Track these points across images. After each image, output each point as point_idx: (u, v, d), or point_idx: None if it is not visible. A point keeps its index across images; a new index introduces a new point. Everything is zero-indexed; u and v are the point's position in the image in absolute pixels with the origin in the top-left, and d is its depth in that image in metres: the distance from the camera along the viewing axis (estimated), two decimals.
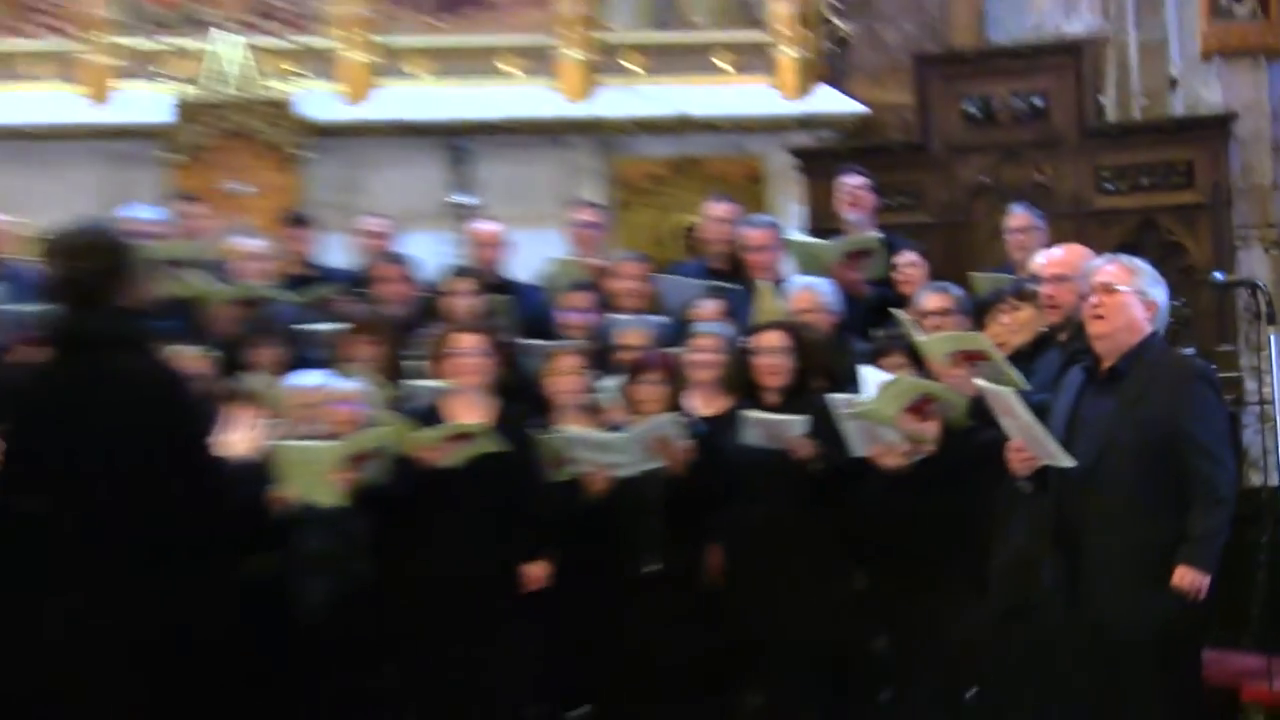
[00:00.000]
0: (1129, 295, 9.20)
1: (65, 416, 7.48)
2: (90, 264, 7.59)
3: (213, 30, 17.61)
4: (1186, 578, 8.81)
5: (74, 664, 7.29)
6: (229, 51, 17.29)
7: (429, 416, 11.57)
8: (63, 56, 17.93)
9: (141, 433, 7.61)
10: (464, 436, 11.30)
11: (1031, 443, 9.31)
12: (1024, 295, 11.12)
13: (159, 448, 7.64)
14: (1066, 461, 9.11)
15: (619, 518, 11.70)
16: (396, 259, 14.62)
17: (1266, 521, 10.10)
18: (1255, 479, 11.90)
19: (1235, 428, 12.05)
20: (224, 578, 8.37)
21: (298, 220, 15.61)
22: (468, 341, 11.73)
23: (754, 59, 17.97)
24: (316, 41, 17.78)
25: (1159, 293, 9.36)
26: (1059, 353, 10.26)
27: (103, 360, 7.51)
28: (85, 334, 7.54)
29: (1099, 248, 11.20)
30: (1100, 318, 9.19)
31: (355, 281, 14.68)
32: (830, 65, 18.04)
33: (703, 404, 11.90)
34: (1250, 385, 13.20)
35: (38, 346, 8.47)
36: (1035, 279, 10.98)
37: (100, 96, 17.60)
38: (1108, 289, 9.18)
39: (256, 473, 11.31)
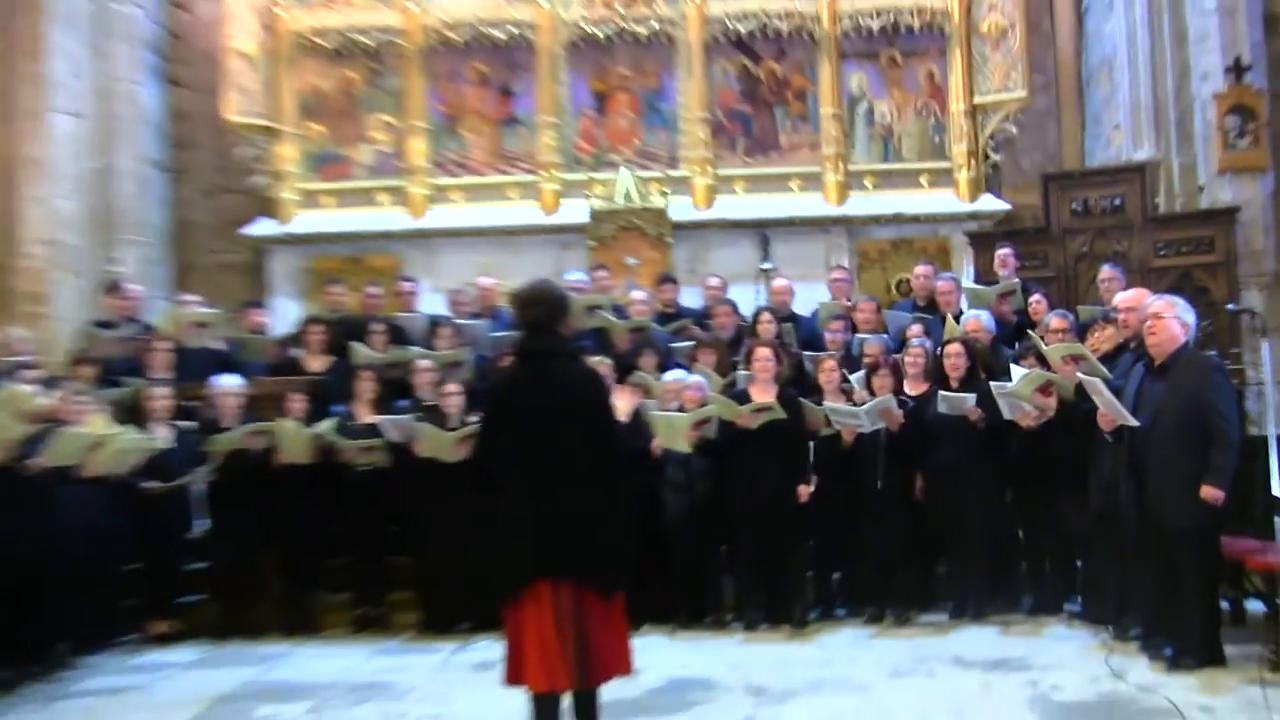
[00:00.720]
0: (1171, 320, 10.38)
1: (525, 398, 8.05)
2: (540, 308, 8.21)
3: (619, 168, 19.04)
4: (1209, 493, 9.97)
5: (532, 536, 7.85)
6: (625, 179, 19.10)
7: (741, 397, 13.09)
8: (528, 185, 19.41)
9: (572, 406, 8.04)
10: (762, 410, 12.72)
11: (1112, 411, 10.64)
12: (1109, 320, 12.31)
13: (583, 415, 8.08)
14: (1133, 422, 10.42)
15: (860, 456, 12.94)
16: (726, 302, 15.87)
17: (1260, 456, 10.68)
18: (1254, 430, 12.38)
19: (1240, 400, 12.67)
20: (624, 490, 8.60)
21: (666, 280, 16.77)
22: (763, 352, 13.25)
23: (943, 177, 19.40)
24: (678, 172, 19.33)
25: (1190, 317, 10.62)
26: (1131, 356, 11.24)
27: (547, 366, 8.17)
28: (537, 350, 8.20)
29: (1155, 290, 12.57)
30: (1154, 334, 10.40)
31: (701, 317, 15.95)
32: (989, 180, 19.48)
33: (911, 388, 13.29)
34: (1250, 374, 14.27)
35: (510, 358, 9.21)
36: (1115, 310, 12.06)
37: (551, 208, 19.38)
38: (1158, 316, 10.40)
39: (640, 429, 12.88)
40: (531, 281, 8.45)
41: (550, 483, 7.96)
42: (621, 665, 8.18)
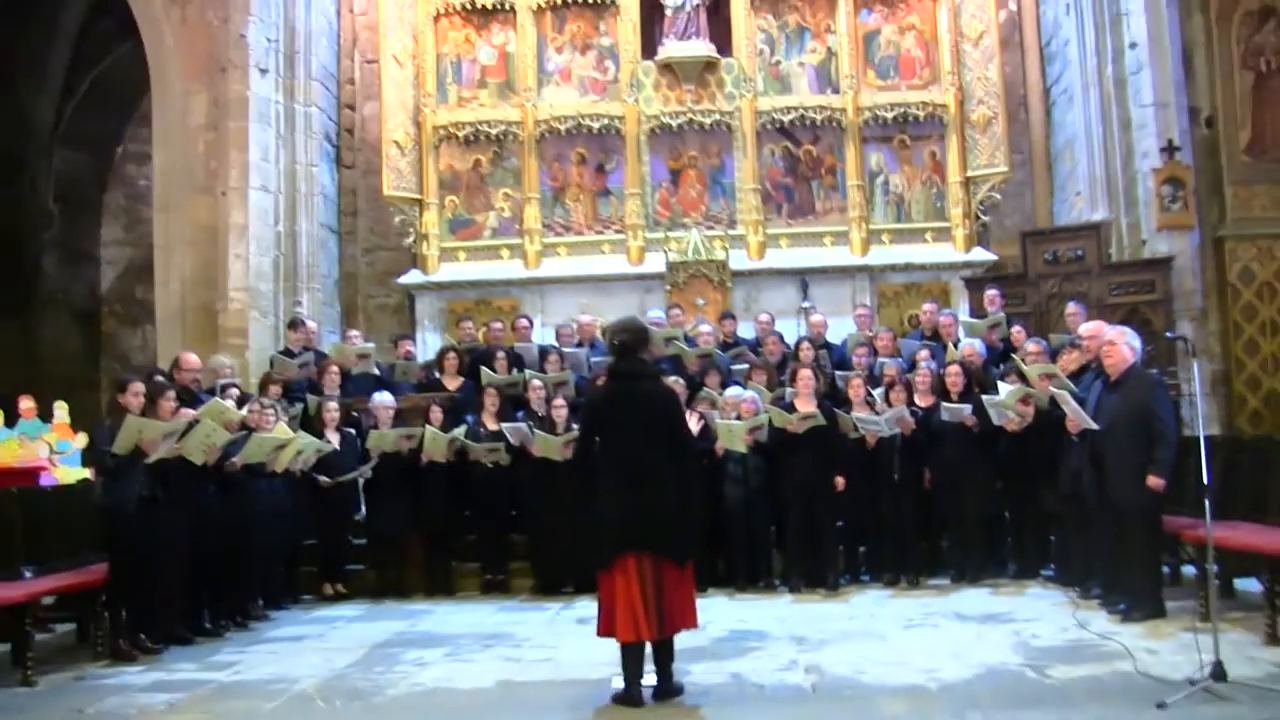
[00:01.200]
0: (1123, 345, 10.59)
1: (615, 410, 8.35)
2: (628, 337, 8.44)
3: (689, 228, 18.87)
4: (1154, 481, 10.19)
5: (621, 518, 8.14)
6: (695, 237, 18.67)
7: (789, 408, 13.13)
8: (618, 242, 19.23)
9: (652, 416, 8.30)
10: (806, 418, 12.87)
11: (1077, 416, 10.84)
12: (1074, 345, 12.30)
13: (660, 423, 8.31)
14: (1093, 425, 10.63)
15: (881, 455, 13.14)
16: (774, 333, 16.07)
17: (1193, 452, 10.49)
18: (1188, 432, 12.21)
19: (1177, 409, 12.62)
20: (692, 482, 8.77)
21: (727, 316, 16.83)
22: (805, 372, 13.43)
23: (943, 234, 18.94)
24: (736, 231, 19.06)
25: (1137, 343, 10.81)
26: (1092, 374, 11.32)
27: (633, 384, 8.41)
28: (624, 372, 8.44)
29: (1110, 322, 12.50)
30: (1110, 356, 10.60)
31: (754, 345, 15.97)
32: (979, 236, 18.98)
33: (921, 400, 13.42)
34: (1185, 388, 14.12)
35: (604, 378, 9.39)
36: (1079, 338, 12.12)
37: (636, 260, 19.19)
38: (1112, 343, 10.63)
39: (706, 434, 13.20)
40: (622, 318, 8.87)
41: (635, 476, 8.25)
42: (689, 620, 8.44)
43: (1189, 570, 12.09)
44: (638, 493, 8.21)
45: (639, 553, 8.15)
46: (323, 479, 13.43)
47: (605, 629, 8.34)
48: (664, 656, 8.32)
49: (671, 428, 8.48)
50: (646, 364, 8.80)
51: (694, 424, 12.84)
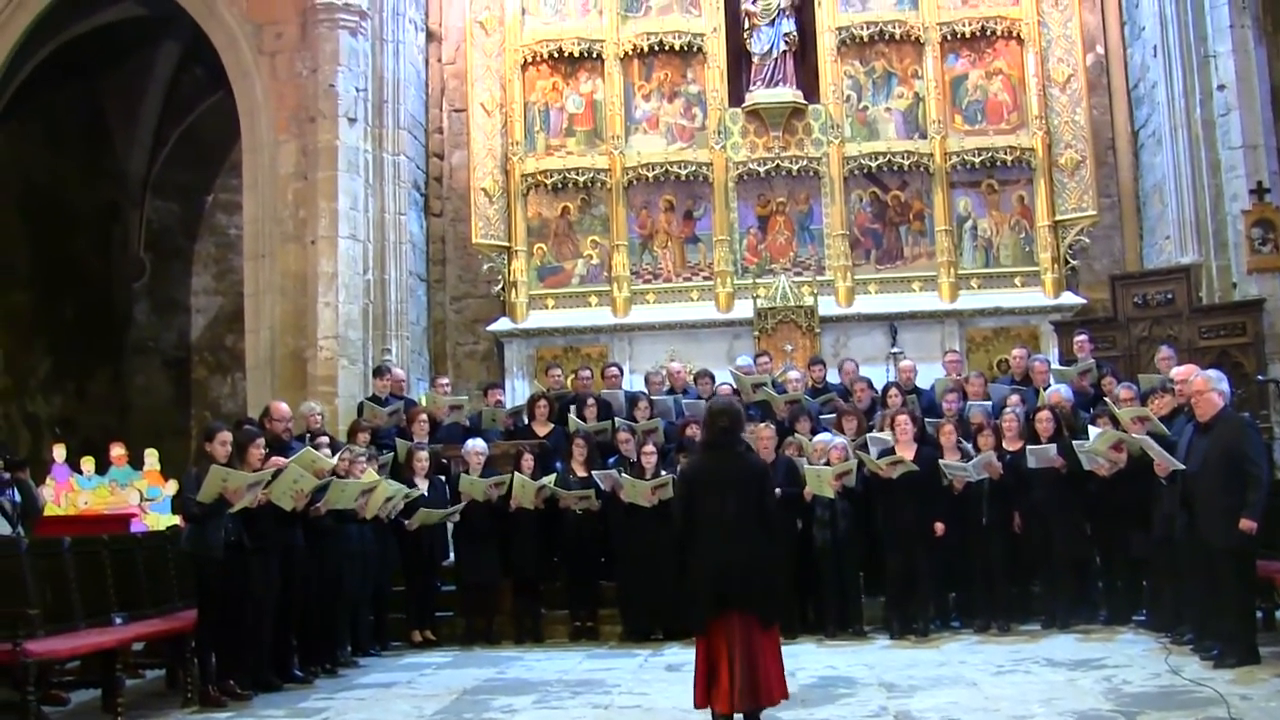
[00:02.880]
0: (1210, 392, 10.52)
1: (709, 478, 8.51)
2: (726, 421, 8.67)
3: (778, 274, 19.11)
4: (1247, 524, 10.06)
5: (712, 578, 8.31)
6: (783, 283, 18.94)
7: (884, 453, 13.19)
8: (707, 289, 19.43)
9: (742, 484, 8.44)
10: (897, 463, 12.90)
11: (1163, 459, 10.94)
12: (1166, 389, 12.30)
13: (749, 492, 8.43)
14: (1179, 466, 10.69)
15: (969, 499, 13.05)
16: (861, 379, 15.82)
17: None
18: (1278, 475, 12.20)
19: (1270, 451, 12.62)
20: (778, 545, 9.07)
21: (816, 362, 16.85)
22: (904, 419, 13.35)
23: (1032, 279, 19.18)
24: (824, 277, 19.26)
25: (1225, 387, 10.76)
26: (1184, 417, 11.22)
27: (726, 456, 8.59)
28: (719, 444, 8.63)
29: (1201, 365, 12.39)
30: (1199, 402, 10.55)
31: (844, 391, 15.82)
32: (1069, 280, 19.26)
33: (1009, 445, 13.33)
34: (1277, 430, 14.61)
35: (701, 449, 9.40)
36: (1172, 382, 12.08)
37: (725, 307, 19.38)
38: (1199, 391, 10.56)
39: (795, 479, 13.17)
40: (719, 399, 9.39)
41: (726, 535, 8.36)
42: (780, 689, 8.45)
43: None
44: (729, 551, 8.29)
45: (729, 614, 8.24)
46: (407, 522, 13.44)
47: (700, 702, 8.42)
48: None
49: (758, 496, 8.58)
50: (738, 439, 8.99)
51: (783, 470, 13.20)
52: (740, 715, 8.28)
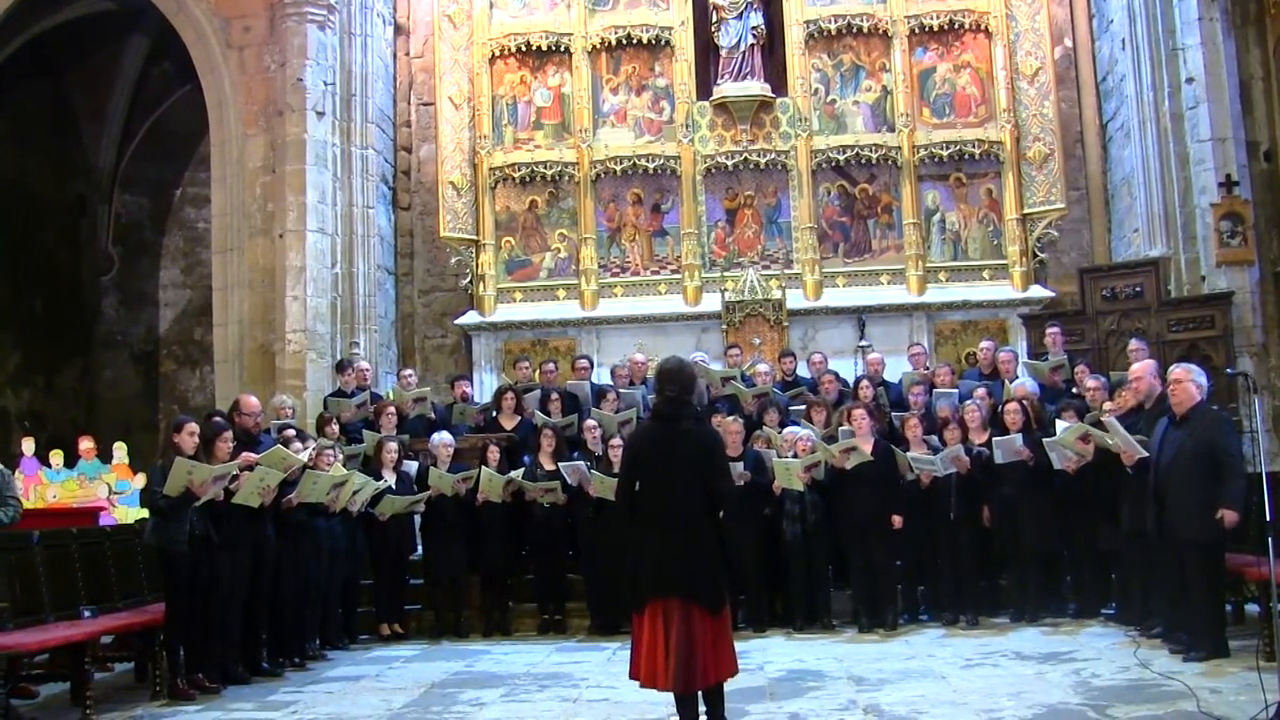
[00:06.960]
0: (1189, 383, 10.49)
1: (656, 450, 7.98)
2: (675, 383, 8.06)
3: (746, 267, 19.08)
4: (1230, 517, 10.05)
5: (653, 561, 7.83)
6: (751, 277, 18.93)
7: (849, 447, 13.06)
8: (675, 282, 19.43)
9: (689, 458, 7.90)
10: (849, 450, 12.86)
11: (1128, 445, 11.16)
12: (1129, 384, 12.23)
13: (697, 466, 7.89)
14: (1143, 452, 10.93)
15: (938, 493, 13.07)
16: (829, 372, 15.98)
17: (1255, 489, 10.36)
18: (1249, 469, 12.00)
19: (1240, 443, 12.27)
20: (733, 516, 8.82)
21: (786, 355, 16.90)
22: (859, 411, 13.47)
23: (1000, 272, 19.14)
24: (792, 271, 19.27)
25: (1203, 380, 10.70)
26: (1149, 412, 11.41)
27: (675, 425, 8.03)
28: (667, 414, 8.08)
29: (1168, 358, 13.62)
30: (1176, 394, 10.51)
31: (812, 385, 15.94)
32: (1037, 273, 19.16)
33: (976, 437, 13.40)
34: (1245, 424, 13.91)
35: (647, 420, 9.24)
36: (1137, 377, 11.92)
37: (693, 300, 19.35)
38: (1179, 380, 10.53)
39: (763, 471, 13.26)
40: (668, 360, 8.30)
41: (668, 521, 7.88)
42: (725, 669, 7.98)
43: (1252, 608, 11.79)
44: (670, 538, 7.86)
45: (667, 599, 7.79)
46: (375, 511, 13.38)
47: (632, 673, 8.07)
48: (713, 701, 7.94)
49: (707, 471, 8.02)
50: (689, 406, 8.35)
51: (750, 463, 13.30)
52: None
